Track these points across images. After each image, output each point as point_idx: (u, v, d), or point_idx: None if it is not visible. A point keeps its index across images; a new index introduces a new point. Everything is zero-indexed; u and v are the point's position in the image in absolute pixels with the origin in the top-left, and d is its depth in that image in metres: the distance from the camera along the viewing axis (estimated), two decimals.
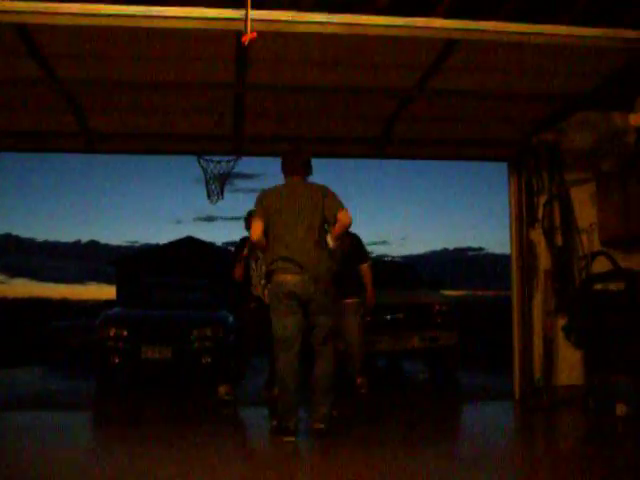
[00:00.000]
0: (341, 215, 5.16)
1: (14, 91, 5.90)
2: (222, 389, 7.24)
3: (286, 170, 5.51)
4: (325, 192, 5.29)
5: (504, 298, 8.94)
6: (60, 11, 4.39)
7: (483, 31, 4.81)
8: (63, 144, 7.34)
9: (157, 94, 6.07)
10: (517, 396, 7.32)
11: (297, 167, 5.46)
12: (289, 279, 5.19)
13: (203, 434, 5.72)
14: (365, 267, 7.57)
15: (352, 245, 7.35)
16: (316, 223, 5.23)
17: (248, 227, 6.62)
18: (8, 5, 4.40)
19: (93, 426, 6.61)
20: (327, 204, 5.23)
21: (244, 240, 7.22)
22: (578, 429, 6.42)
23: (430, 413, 6.82)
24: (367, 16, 4.67)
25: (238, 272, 7.26)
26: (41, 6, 4.39)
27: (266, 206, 5.30)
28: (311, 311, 5.25)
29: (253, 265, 7.24)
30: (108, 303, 10.85)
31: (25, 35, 4.79)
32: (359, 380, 7.32)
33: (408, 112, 6.49)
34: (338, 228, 5.20)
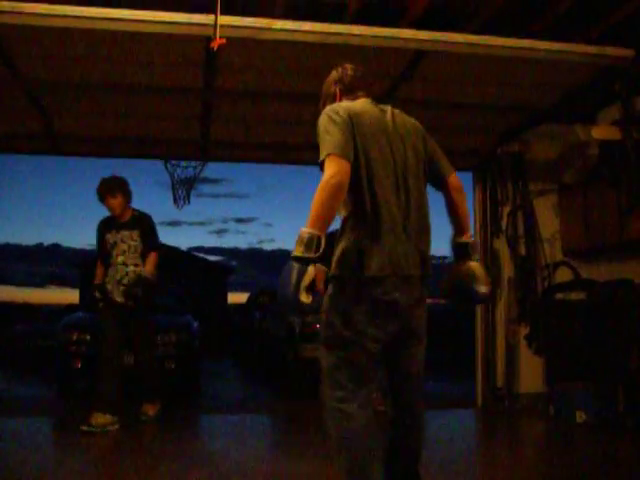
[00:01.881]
0: (454, 177, 3.20)
1: None
2: (149, 408, 6.48)
3: (353, 85, 3.26)
4: (423, 131, 3.28)
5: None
6: (26, 11, 4.35)
7: (450, 43, 4.88)
8: (28, 146, 7.24)
9: (124, 97, 6.02)
10: (479, 403, 7.41)
11: (369, 81, 3.37)
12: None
13: (163, 440, 5.69)
14: None
15: None
16: (423, 180, 3.10)
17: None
18: None
19: (52, 431, 6.52)
20: (433, 152, 3.22)
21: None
22: (538, 435, 6.51)
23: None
24: (336, 25, 4.72)
25: (99, 272, 6.49)
26: (6, 5, 4.34)
27: (359, 129, 2.88)
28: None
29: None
30: (70, 307, 10.71)
31: None
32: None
33: None
34: (458, 198, 3.17)
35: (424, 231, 3.00)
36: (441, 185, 3.19)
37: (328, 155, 2.73)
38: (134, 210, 6.50)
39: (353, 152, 2.79)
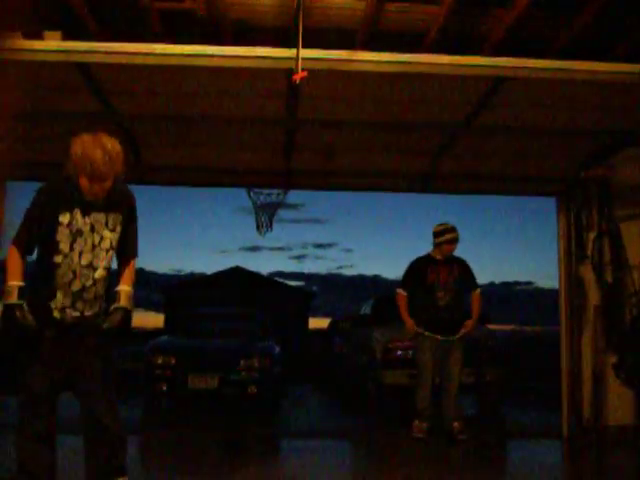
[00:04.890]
0: None
1: (76, 124, 6.13)
2: None
3: None
4: None
5: (554, 334, 8.82)
6: (117, 50, 4.61)
7: (530, 68, 4.86)
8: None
9: (208, 128, 6.25)
10: (565, 434, 7.20)
11: None
12: None
13: (248, 465, 5.77)
14: (476, 294, 7.11)
15: (460, 273, 7.03)
16: None
17: None
18: (70, 45, 4.65)
19: (137, 452, 6.71)
20: None
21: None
22: (627, 470, 6.27)
23: (476, 450, 6.74)
24: (415, 55, 4.77)
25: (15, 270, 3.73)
26: (99, 46, 4.62)
27: None
28: None
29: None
30: (156, 331, 11.04)
31: (86, 73, 5.01)
32: (455, 424, 6.73)
33: (455, 147, 6.54)
34: None
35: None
36: None
37: None
38: (116, 182, 3.64)
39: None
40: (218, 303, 17.80)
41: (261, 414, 8.67)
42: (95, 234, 3.59)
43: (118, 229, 3.67)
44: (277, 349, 9.60)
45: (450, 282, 6.92)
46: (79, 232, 3.55)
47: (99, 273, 3.60)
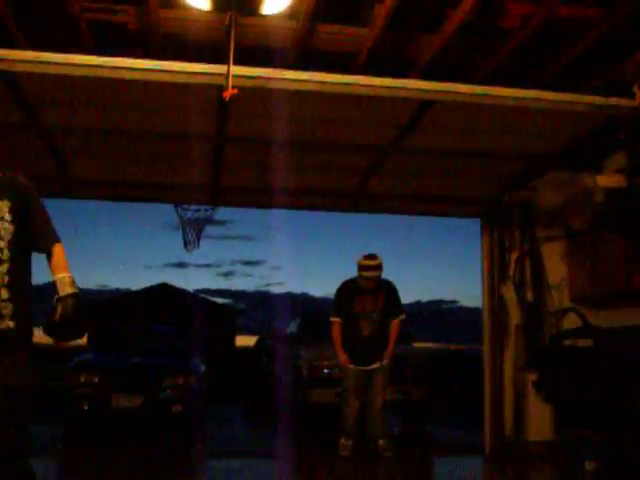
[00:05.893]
0: None
1: None
2: None
3: None
4: None
5: (477, 352, 9.00)
6: (45, 60, 4.50)
7: (457, 93, 4.99)
8: (41, 189, 7.34)
9: (136, 143, 6.16)
10: (488, 450, 7.34)
11: None
12: None
13: None
14: (396, 322, 7.10)
15: (385, 300, 7.06)
16: None
17: None
18: None
19: (59, 473, 6.51)
20: None
21: None
22: None
23: (401, 467, 6.80)
24: (345, 75, 4.83)
25: None
26: (26, 55, 4.51)
27: None
28: None
29: None
30: (79, 348, 10.74)
31: (11, 82, 4.88)
32: (380, 442, 6.85)
33: (383, 168, 6.64)
34: None
35: None
36: None
37: None
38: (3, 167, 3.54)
39: None
40: (144, 320, 17.50)
41: (186, 433, 8.51)
42: None
43: (10, 217, 3.20)
44: (203, 367, 9.47)
45: (375, 312, 7.01)
46: None
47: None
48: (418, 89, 4.95)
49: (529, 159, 6.54)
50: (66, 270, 3.28)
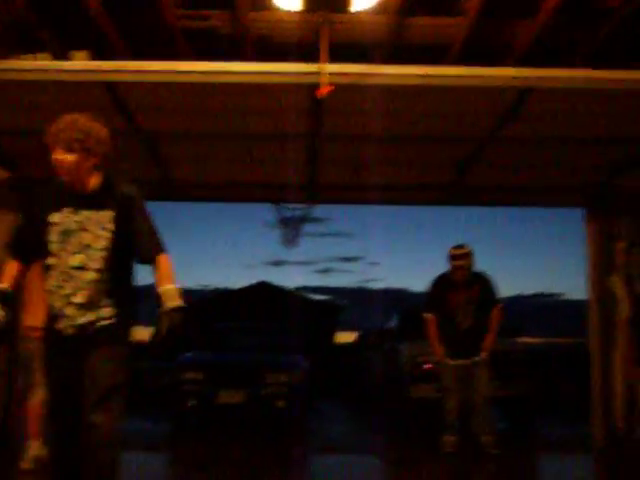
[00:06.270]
0: None
1: None
2: None
3: None
4: None
5: (585, 345, 8.69)
6: (143, 69, 4.66)
7: (557, 78, 4.83)
8: (147, 193, 7.62)
9: (234, 144, 6.29)
10: (597, 447, 7.08)
11: None
12: None
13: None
14: (495, 312, 6.93)
15: (481, 292, 6.93)
16: None
17: None
18: (97, 65, 4.71)
19: (168, 467, 6.72)
20: None
21: None
22: None
23: (507, 465, 6.65)
24: (439, 67, 4.76)
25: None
26: (126, 65, 4.68)
27: None
28: None
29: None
30: (183, 348, 11.02)
31: (112, 91, 5.08)
32: (484, 439, 6.67)
33: (481, 159, 6.51)
34: None
35: None
36: None
37: None
38: (106, 173, 3.43)
39: None
40: (245, 318, 17.86)
41: (289, 429, 8.63)
42: (86, 233, 3.24)
43: (113, 227, 3.26)
44: (304, 363, 9.57)
45: (471, 304, 6.88)
46: (68, 232, 3.24)
47: (91, 275, 3.21)
48: (516, 77, 4.83)
49: (636, 143, 6.25)
50: (172, 282, 3.27)
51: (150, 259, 3.32)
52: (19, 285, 3.46)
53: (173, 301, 3.20)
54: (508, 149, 6.30)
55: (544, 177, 6.98)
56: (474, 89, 4.91)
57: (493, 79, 4.80)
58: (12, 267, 3.33)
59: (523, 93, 5.11)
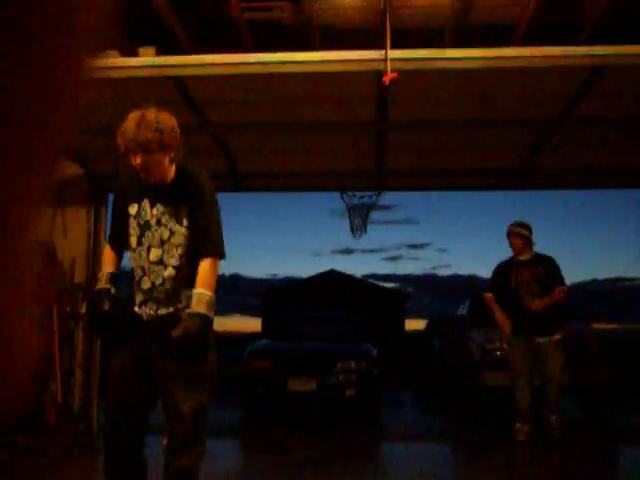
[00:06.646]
0: None
1: None
2: None
3: None
4: None
5: None
6: (209, 62, 4.72)
7: (630, 55, 4.66)
8: (217, 185, 7.74)
9: (300, 134, 6.31)
10: None
11: None
12: None
13: (350, 469, 5.78)
14: (558, 290, 6.77)
15: (546, 272, 6.86)
16: None
17: None
18: (163, 60, 4.80)
19: (243, 453, 6.84)
20: None
21: None
22: None
23: (581, 454, 6.51)
24: (505, 49, 4.67)
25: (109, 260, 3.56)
26: (192, 59, 4.75)
27: None
28: None
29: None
30: (254, 335, 11.20)
31: (180, 85, 5.17)
32: (553, 418, 6.69)
33: (552, 142, 6.35)
34: None
35: None
36: None
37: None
38: (178, 165, 3.31)
39: None
40: (314, 306, 17.98)
41: (360, 417, 8.66)
42: (163, 228, 3.14)
43: (187, 222, 3.16)
44: (374, 352, 9.58)
45: (535, 284, 6.76)
46: (147, 225, 3.15)
47: (169, 271, 3.13)
48: (587, 55, 4.67)
49: None
50: (206, 287, 3.07)
51: (198, 258, 3.15)
52: (122, 269, 3.39)
53: (201, 307, 3.03)
54: (580, 130, 6.13)
55: (618, 157, 6.76)
56: (543, 69, 4.78)
57: (565, 59, 4.66)
58: (109, 254, 3.33)
59: (595, 72, 4.96)
